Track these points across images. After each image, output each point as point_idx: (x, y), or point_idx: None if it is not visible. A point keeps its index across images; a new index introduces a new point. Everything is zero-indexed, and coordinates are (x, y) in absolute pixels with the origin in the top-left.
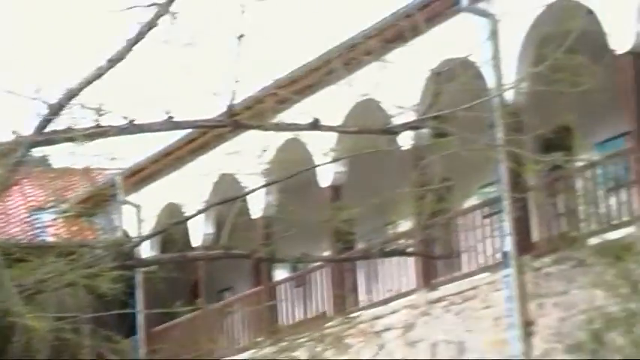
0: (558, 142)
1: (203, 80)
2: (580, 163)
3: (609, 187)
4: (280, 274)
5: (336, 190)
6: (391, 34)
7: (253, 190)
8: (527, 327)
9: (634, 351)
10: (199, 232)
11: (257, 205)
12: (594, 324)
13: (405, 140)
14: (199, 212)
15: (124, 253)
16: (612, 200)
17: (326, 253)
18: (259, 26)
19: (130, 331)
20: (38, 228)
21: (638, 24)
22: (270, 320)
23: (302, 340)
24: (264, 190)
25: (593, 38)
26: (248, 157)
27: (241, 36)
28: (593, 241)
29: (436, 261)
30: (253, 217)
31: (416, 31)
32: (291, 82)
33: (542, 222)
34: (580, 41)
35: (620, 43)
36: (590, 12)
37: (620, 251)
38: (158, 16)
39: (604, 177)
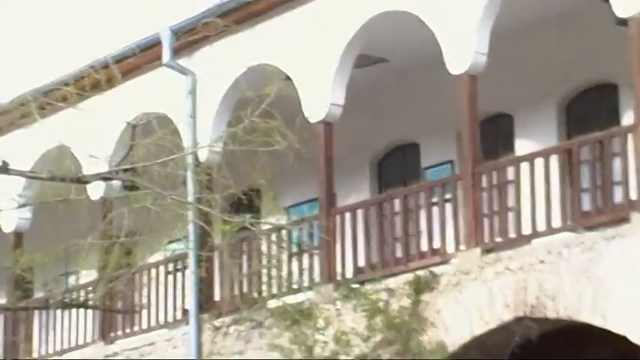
0: (249, 203)
1: None
2: (267, 226)
3: (294, 251)
4: None
5: (19, 236)
6: (89, 83)
7: None
8: None
9: None
10: None
11: None
12: None
13: (96, 190)
14: None
15: None
16: (295, 264)
17: (2, 300)
18: None
19: None
20: None
21: (332, 96)
22: None
23: None
24: None
25: (289, 104)
26: None
27: None
28: (274, 303)
29: (116, 314)
30: None
31: (114, 82)
32: None
33: (225, 282)
34: (277, 106)
35: (314, 112)
36: (288, 78)
37: (297, 315)
38: None
39: (289, 241)
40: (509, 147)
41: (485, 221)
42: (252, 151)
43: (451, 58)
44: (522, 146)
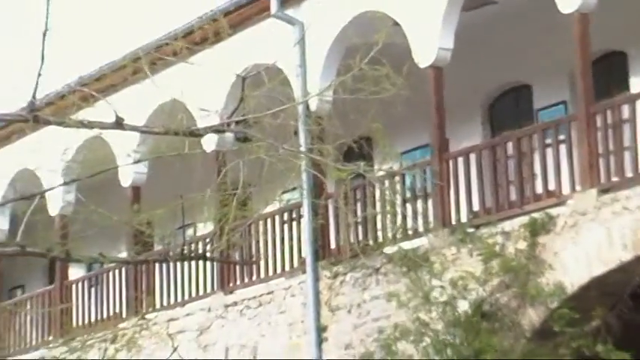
0: (361, 151)
1: (4, 73)
2: (381, 173)
3: (407, 196)
4: (76, 272)
5: (136, 190)
6: (199, 36)
7: (52, 188)
8: (321, 333)
9: (424, 356)
10: None
11: (56, 203)
12: (385, 332)
13: (209, 144)
14: None
15: None
16: (409, 210)
17: (124, 254)
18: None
19: None
20: None
21: (440, 40)
22: (63, 320)
23: (95, 340)
24: (63, 187)
25: (398, 50)
26: (49, 154)
27: (46, 31)
28: (390, 250)
29: (234, 265)
30: (52, 214)
31: (224, 35)
32: (96, 79)
33: (341, 229)
34: (385, 52)
35: (423, 57)
36: (396, 24)
37: (414, 260)
38: None
39: (403, 187)
40: (624, 85)
41: (601, 161)
42: (362, 99)
43: None
44: (637, 84)
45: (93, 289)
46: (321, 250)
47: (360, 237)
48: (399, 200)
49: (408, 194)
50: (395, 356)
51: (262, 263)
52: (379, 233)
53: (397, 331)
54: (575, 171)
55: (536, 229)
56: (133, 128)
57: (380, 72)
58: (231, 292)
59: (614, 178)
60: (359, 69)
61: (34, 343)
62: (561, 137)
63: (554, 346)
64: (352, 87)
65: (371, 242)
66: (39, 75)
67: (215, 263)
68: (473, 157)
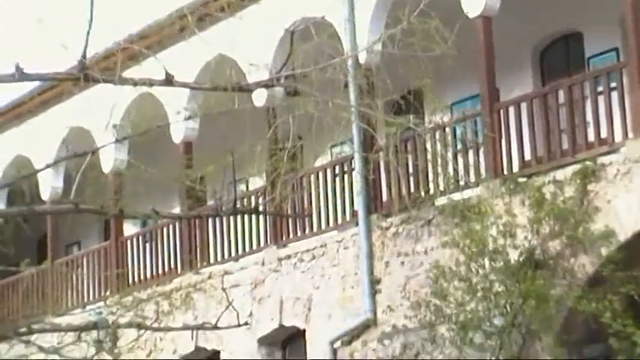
0: (411, 103)
1: (54, 32)
2: (431, 125)
3: (458, 148)
4: (130, 229)
5: (188, 146)
6: None
7: (104, 145)
8: (374, 284)
9: (475, 306)
10: (48, 185)
11: (109, 160)
12: (438, 282)
13: (259, 98)
14: (48, 166)
15: None
16: (460, 161)
17: (176, 210)
18: None
19: None
20: None
21: None
22: (119, 275)
23: (151, 295)
24: (115, 145)
25: (447, 1)
26: (100, 112)
27: None
28: (442, 201)
29: (287, 219)
30: (105, 171)
31: None
32: (143, 36)
33: (392, 182)
34: (434, 3)
35: (471, 7)
36: None
37: (466, 211)
38: None
39: (454, 138)
40: None
41: None
42: (412, 53)
43: None
44: None
45: (147, 245)
46: (372, 202)
47: (412, 189)
48: (449, 152)
49: (459, 146)
50: (448, 304)
51: (315, 216)
52: (431, 185)
53: (448, 274)
54: (627, 118)
55: (587, 177)
56: (183, 85)
57: (429, 25)
58: (284, 246)
59: None
60: (408, 22)
61: (91, 298)
62: (613, 85)
63: (603, 293)
64: (402, 40)
65: (423, 194)
66: (88, 34)
67: (268, 217)
68: (524, 106)
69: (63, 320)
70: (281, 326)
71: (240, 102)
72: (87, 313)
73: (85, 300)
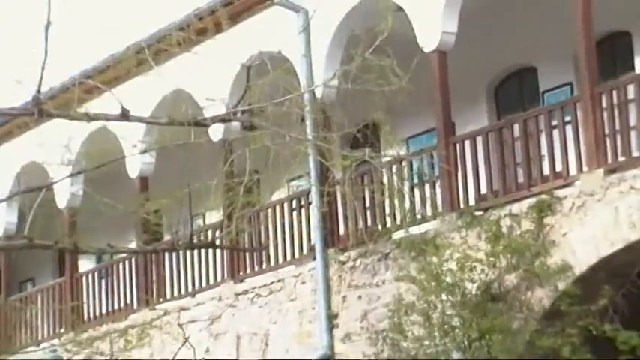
0: (367, 138)
1: (8, 67)
2: (387, 159)
3: (415, 182)
4: (86, 265)
5: (144, 181)
6: (203, 26)
7: (59, 180)
8: (332, 319)
9: (433, 341)
10: (2, 221)
11: (63, 196)
12: (396, 316)
13: (216, 133)
14: (1, 201)
15: None
16: (417, 195)
17: (133, 245)
18: (68, 14)
19: None
20: None
21: (443, 23)
22: (73, 311)
23: (107, 332)
24: (70, 180)
25: (403, 35)
26: (55, 146)
27: (48, 24)
28: (399, 235)
29: (243, 253)
30: (60, 207)
31: (226, 24)
32: (100, 70)
33: (349, 216)
34: (389, 38)
35: (427, 42)
36: (400, 9)
37: (423, 245)
38: None
39: (410, 172)
40: (629, 65)
41: (607, 141)
42: (368, 87)
43: None
44: None
45: (103, 281)
46: (330, 236)
47: (369, 223)
48: (406, 186)
49: (416, 180)
50: (405, 338)
51: (272, 251)
52: (388, 219)
53: (405, 308)
54: (581, 152)
55: (543, 211)
56: (139, 119)
57: (384, 63)
58: (241, 281)
59: (621, 158)
60: (363, 59)
61: (45, 335)
62: (567, 118)
63: (561, 326)
64: (357, 75)
65: (380, 228)
66: (42, 69)
67: (225, 252)
68: (479, 140)
69: (16, 358)
70: None
71: (197, 136)
72: (41, 350)
73: (40, 337)
